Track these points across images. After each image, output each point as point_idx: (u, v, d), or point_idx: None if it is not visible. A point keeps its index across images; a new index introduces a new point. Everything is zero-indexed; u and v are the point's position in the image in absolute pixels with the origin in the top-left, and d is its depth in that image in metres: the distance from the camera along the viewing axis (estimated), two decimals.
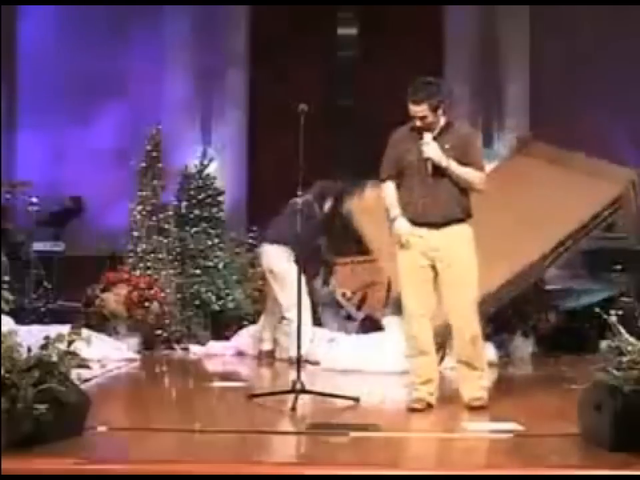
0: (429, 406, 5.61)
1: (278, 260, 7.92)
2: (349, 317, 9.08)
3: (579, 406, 4.69)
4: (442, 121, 5.68)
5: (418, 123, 5.60)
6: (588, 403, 4.56)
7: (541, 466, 4.19)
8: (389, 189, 5.73)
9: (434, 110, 5.59)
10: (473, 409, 5.57)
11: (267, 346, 8.33)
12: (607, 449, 4.26)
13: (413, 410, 5.59)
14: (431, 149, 5.57)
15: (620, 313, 6.03)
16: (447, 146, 5.60)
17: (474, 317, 5.62)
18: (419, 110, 5.56)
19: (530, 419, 5.33)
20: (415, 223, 5.63)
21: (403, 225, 5.63)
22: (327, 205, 8.23)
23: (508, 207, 7.49)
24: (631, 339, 4.44)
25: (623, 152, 11.28)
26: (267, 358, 8.25)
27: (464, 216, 5.67)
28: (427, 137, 5.59)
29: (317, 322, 8.42)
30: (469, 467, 4.35)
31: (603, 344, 4.49)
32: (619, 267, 7.77)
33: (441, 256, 5.60)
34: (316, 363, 7.60)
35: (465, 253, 5.62)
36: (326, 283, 8.97)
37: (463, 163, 5.62)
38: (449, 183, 5.61)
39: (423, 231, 5.62)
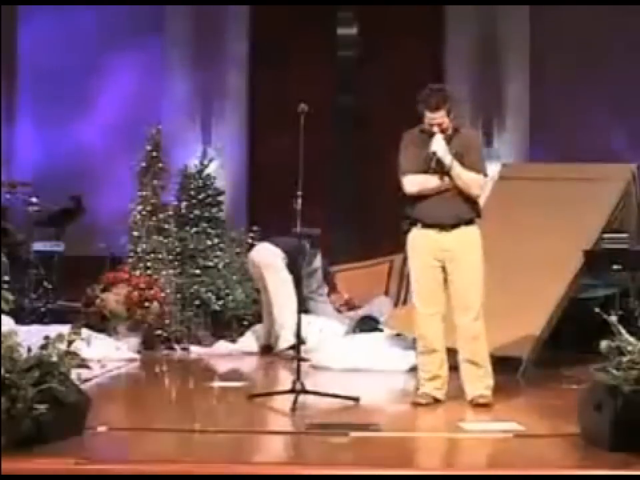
0: (436, 400, 5.73)
1: (272, 256, 8.35)
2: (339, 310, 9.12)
3: (579, 406, 4.70)
4: (450, 126, 5.76)
5: (435, 129, 5.68)
6: (588, 402, 4.56)
7: (541, 466, 4.19)
8: (415, 175, 5.72)
9: (449, 114, 5.70)
10: (478, 406, 5.63)
11: (262, 341, 8.53)
12: (606, 449, 4.27)
13: (416, 404, 5.70)
14: (438, 144, 5.65)
15: (620, 312, 6.05)
16: (453, 151, 5.69)
17: (478, 316, 5.70)
18: (437, 116, 5.66)
19: (530, 419, 5.34)
20: (425, 224, 5.74)
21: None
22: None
23: (525, 235, 7.56)
24: (631, 339, 4.45)
25: (623, 152, 11.28)
26: (264, 353, 8.43)
27: (473, 217, 5.78)
28: (438, 135, 5.67)
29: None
30: (469, 466, 4.35)
31: (603, 344, 4.49)
32: (619, 266, 7.75)
33: (451, 256, 5.70)
34: (306, 360, 7.61)
35: (474, 254, 5.73)
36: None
37: (464, 166, 5.70)
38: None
39: (433, 232, 5.72)
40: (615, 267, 7.63)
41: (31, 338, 4.61)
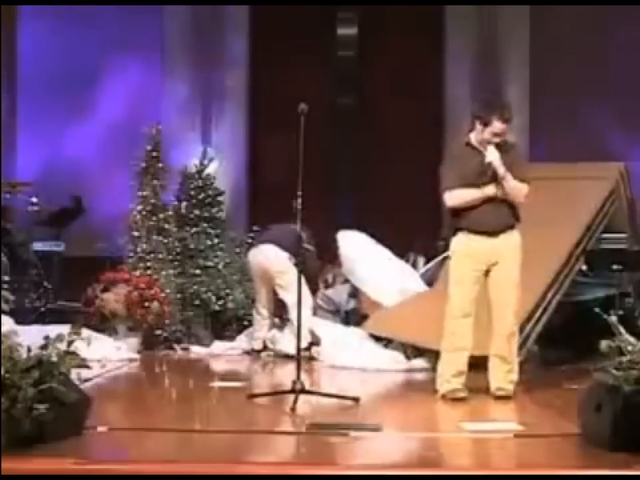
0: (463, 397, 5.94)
1: (282, 259, 8.25)
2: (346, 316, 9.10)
3: (578, 406, 4.70)
4: None
5: (496, 140, 5.96)
6: (588, 403, 4.56)
7: (541, 466, 4.19)
8: (457, 190, 5.98)
9: None
10: (498, 398, 5.88)
11: (257, 345, 8.48)
12: (607, 449, 4.26)
13: (455, 399, 5.87)
14: (494, 155, 5.93)
15: (620, 312, 6.06)
16: (504, 162, 5.97)
17: (513, 316, 6.02)
18: (504, 128, 5.99)
19: (530, 419, 5.34)
20: (473, 231, 6.00)
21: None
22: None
23: None
24: (631, 339, 4.45)
25: (623, 152, 11.28)
26: (257, 356, 8.39)
27: (514, 222, 6.10)
28: (492, 147, 5.96)
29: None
30: (469, 466, 4.35)
31: (603, 344, 4.49)
32: (619, 266, 7.76)
33: (496, 260, 6.00)
34: (316, 358, 7.65)
35: (516, 257, 6.04)
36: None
37: (513, 175, 5.99)
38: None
39: (481, 239, 6.00)
40: (615, 267, 7.64)
41: (31, 338, 4.60)
